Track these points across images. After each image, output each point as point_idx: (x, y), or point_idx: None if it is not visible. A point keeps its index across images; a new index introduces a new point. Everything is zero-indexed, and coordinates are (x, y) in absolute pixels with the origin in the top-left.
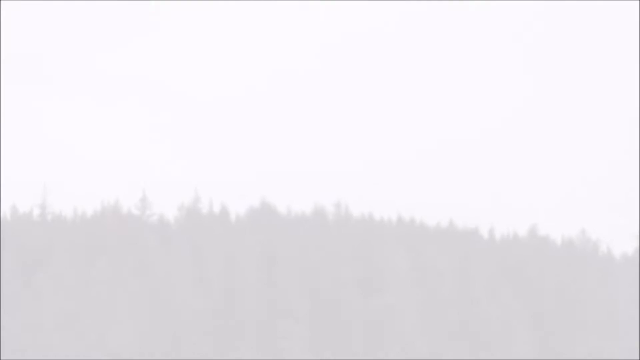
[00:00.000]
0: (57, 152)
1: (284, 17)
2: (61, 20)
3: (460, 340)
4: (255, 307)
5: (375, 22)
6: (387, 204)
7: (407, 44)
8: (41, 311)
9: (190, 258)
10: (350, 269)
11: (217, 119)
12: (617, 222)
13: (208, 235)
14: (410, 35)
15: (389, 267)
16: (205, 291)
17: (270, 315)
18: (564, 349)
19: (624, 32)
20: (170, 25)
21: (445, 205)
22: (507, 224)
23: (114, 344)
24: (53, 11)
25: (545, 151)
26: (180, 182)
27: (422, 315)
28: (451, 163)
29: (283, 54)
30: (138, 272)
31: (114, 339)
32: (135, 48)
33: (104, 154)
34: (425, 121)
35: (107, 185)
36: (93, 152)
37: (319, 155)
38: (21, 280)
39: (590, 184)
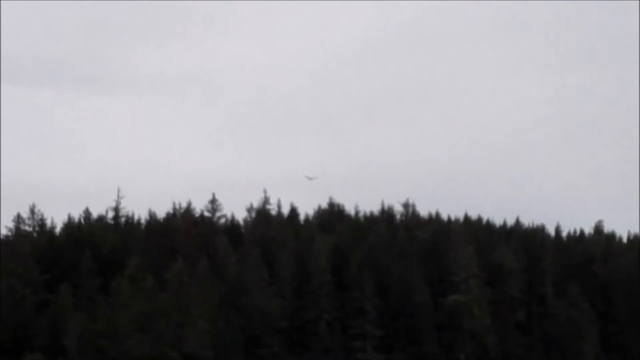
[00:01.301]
0: (124, 155)
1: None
2: (113, 19)
3: (529, 337)
4: (327, 307)
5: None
6: (454, 204)
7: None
8: (119, 313)
9: (262, 259)
10: (420, 269)
11: (280, 118)
12: None
13: (278, 236)
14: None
15: (458, 267)
16: (277, 291)
17: (341, 315)
18: (630, 346)
19: None
20: (227, 22)
21: (510, 203)
22: (572, 221)
23: (189, 344)
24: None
25: (609, 149)
26: (248, 182)
27: (492, 314)
28: (515, 162)
29: (338, 56)
30: (211, 274)
31: (189, 339)
32: (196, 46)
33: (170, 155)
34: (486, 123)
35: (175, 186)
36: (160, 154)
37: (384, 155)
38: (99, 283)
39: None
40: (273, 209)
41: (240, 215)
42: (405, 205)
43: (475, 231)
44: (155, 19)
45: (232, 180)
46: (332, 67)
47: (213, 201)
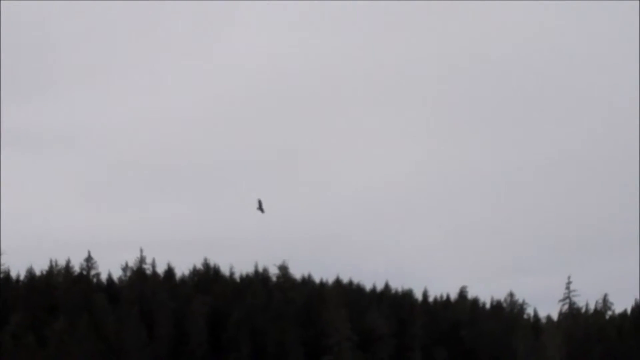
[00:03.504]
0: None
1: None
2: None
3: None
4: None
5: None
6: (326, 267)
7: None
8: None
9: (139, 318)
10: (296, 331)
11: (154, 177)
12: (543, 285)
13: (155, 296)
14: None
15: (331, 330)
16: (154, 351)
17: None
18: None
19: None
20: (104, 76)
21: (380, 267)
22: (439, 286)
23: None
24: None
25: (471, 216)
26: (123, 240)
27: None
28: (384, 227)
29: (212, 114)
30: (91, 332)
31: None
32: (67, 102)
33: (45, 212)
34: (355, 187)
35: (53, 243)
36: (35, 212)
37: (256, 217)
38: None
39: (518, 248)
40: (148, 269)
41: (117, 274)
42: (281, 268)
43: (347, 295)
44: (20, 74)
45: (107, 238)
46: (207, 124)
47: (89, 259)
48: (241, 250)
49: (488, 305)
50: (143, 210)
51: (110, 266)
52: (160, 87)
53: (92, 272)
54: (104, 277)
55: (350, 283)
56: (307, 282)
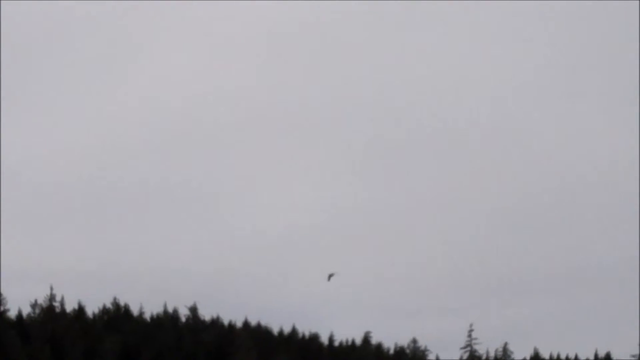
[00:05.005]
0: None
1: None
2: None
3: None
4: None
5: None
6: (234, 308)
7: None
8: None
9: (51, 356)
10: None
11: (56, 211)
12: (446, 331)
13: (66, 333)
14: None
15: None
16: None
17: None
18: None
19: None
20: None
21: (286, 311)
22: (345, 330)
23: None
24: None
25: (376, 259)
26: (29, 275)
27: None
28: (288, 269)
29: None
30: None
31: None
32: None
33: None
34: (255, 231)
35: None
36: None
37: (164, 254)
38: None
39: (423, 293)
40: (58, 307)
41: (26, 310)
42: (191, 309)
43: (257, 337)
44: None
45: (14, 272)
46: (116, 156)
47: None
48: (149, 288)
49: (392, 351)
50: (46, 245)
51: (19, 301)
52: (59, 119)
53: (1, 308)
54: (13, 313)
55: (259, 325)
56: (216, 323)
